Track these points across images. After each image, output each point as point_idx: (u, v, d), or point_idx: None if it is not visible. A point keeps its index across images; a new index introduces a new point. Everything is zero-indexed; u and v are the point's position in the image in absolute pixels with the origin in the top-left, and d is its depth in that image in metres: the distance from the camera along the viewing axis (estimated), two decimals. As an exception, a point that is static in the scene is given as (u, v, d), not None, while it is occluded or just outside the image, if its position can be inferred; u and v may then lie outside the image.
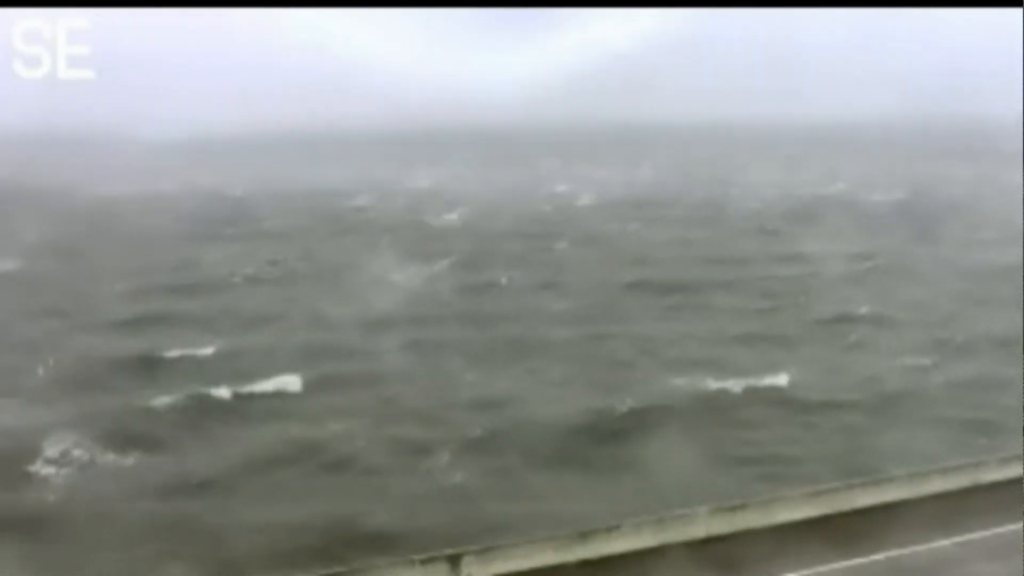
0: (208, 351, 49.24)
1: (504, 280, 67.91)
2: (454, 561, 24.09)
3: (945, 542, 25.90)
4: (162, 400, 41.50)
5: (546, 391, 43.36)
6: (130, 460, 35.70)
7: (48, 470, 34.65)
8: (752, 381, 43.17)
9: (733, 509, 27.04)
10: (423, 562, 23.96)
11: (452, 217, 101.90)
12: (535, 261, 75.25)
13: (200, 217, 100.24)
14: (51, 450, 35.57)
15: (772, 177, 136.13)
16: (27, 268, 71.28)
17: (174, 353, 48.83)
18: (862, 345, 50.77)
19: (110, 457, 35.78)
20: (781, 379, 43.66)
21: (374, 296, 58.87)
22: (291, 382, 43.68)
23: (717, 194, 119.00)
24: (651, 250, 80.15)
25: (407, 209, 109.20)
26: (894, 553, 25.34)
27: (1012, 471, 29.05)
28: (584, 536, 25.63)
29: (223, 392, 42.42)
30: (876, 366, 46.51)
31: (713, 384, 42.98)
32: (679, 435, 37.01)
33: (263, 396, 42.66)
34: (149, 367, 46.74)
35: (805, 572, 24.46)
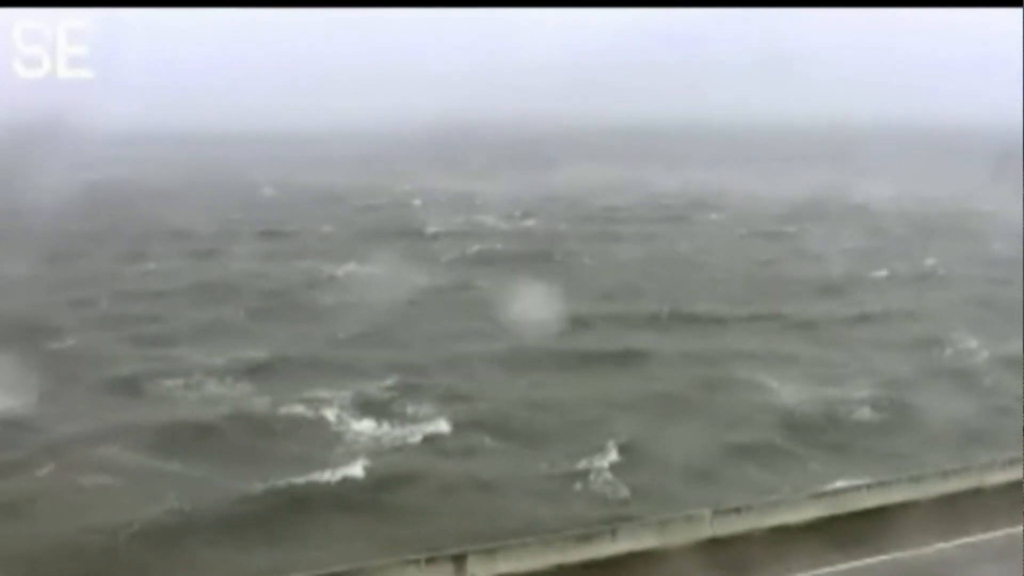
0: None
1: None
2: (459, 561, 24.09)
3: (948, 544, 25.91)
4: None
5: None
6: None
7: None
8: None
9: (736, 511, 27.07)
10: (428, 561, 23.96)
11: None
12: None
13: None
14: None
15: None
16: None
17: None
18: None
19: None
20: None
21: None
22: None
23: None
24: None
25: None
26: (897, 555, 25.35)
27: (1015, 474, 29.04)
28: (587, 537, 25.65)
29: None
30: None
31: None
32: None
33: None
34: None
35: (808, 574, 24.43)
